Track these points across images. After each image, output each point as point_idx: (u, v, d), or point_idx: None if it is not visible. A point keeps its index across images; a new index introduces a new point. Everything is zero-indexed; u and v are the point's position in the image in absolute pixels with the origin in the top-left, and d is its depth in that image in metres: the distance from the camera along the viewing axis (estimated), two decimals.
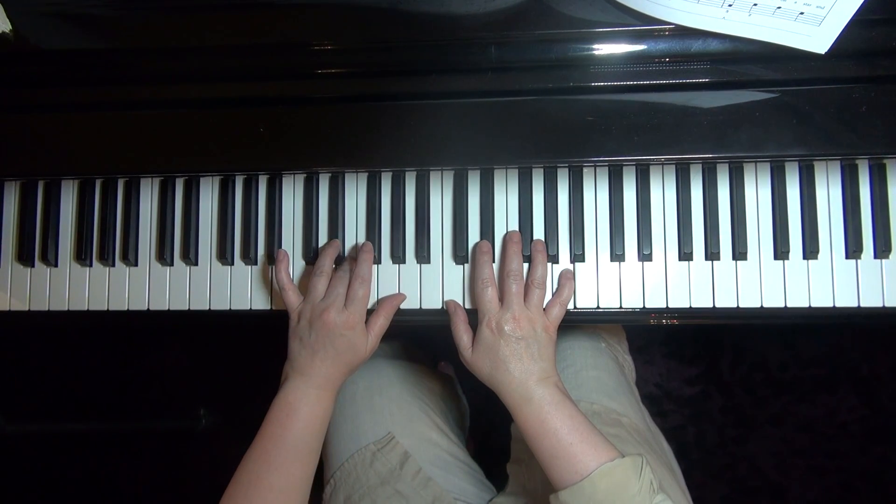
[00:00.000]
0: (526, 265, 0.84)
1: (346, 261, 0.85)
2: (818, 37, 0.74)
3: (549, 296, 0.83)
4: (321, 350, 0.79)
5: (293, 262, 0.88)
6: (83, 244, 0.90)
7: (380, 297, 0.86)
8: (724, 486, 1.62)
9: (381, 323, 0.83)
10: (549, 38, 0.78)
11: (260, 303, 0.89)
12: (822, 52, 0.74)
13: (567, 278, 0.83)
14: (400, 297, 0.85)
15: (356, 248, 0.87)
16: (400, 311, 0.86)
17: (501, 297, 0.80)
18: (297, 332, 0.81)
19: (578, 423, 0.73)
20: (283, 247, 0.89)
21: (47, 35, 0.83)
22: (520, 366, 0.76)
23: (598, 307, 0.85)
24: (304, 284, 0.86)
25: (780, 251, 0.82)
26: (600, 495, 0.69)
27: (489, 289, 0.80)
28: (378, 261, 0.87)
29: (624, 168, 0.85)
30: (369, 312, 0.84)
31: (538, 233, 0.85)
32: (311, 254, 0.88)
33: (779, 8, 0.72)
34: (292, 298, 0.83)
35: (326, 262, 0.83)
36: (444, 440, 0.98)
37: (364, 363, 0.83)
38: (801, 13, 0.72)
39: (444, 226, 0.87)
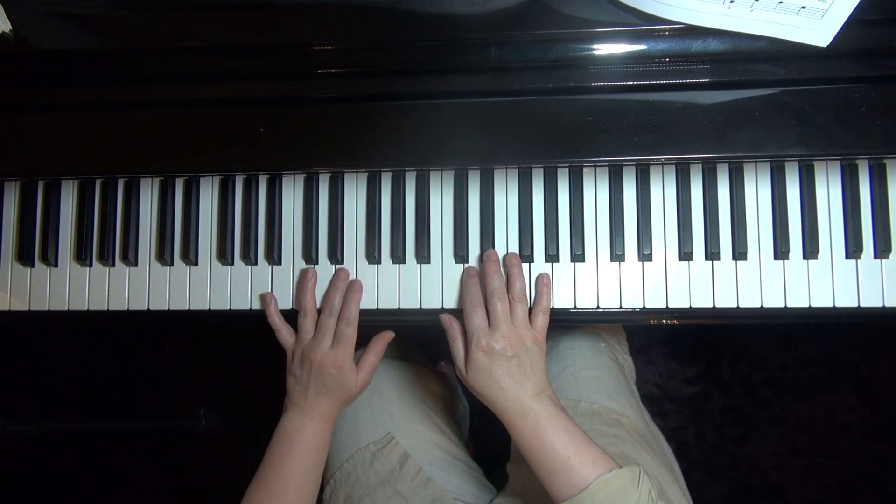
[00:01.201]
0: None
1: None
2: (820, 30, 0.73)
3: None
4: (313, 386, 0.83)
5: (293, 263, 0.88)
6: (83, 244, 0.90)
7: (379, 296, 0.87)
8: (724, 486, 1.62)
9: (371, 360, 0.86)
10: (549, 38, 0.78)
11: (260, 303, 0.89)
12: (824, 46, 0.74)
13: (543, 284, 0.83)
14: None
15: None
16: (400, 311, 0.86)
17: (488, 317, 0.80)
18: (291, 370, 0.85)
19: (574, 436, 0.73)
20: (283, 247, 0.89)
21: (47, 35, 0.83)
22: (513, 383, 0.76)
23: (598, 307, 0.85)
24: None
25: (780, 251, 0.82)
26: None
27: (478, 308, 0.80)
28: (378, 261, 0.87)
29: (624, 168, 0.85)
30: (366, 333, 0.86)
31: (538, 233, 0.85)
32: (312, 254, 0.88)
33: (780, 3, 0.72)
34: (286, 338, 0.87)
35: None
36: (443, 440, 0.98)
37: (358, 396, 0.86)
38: (803, 7, 0.72)
39: (444, 226, 0.87)
